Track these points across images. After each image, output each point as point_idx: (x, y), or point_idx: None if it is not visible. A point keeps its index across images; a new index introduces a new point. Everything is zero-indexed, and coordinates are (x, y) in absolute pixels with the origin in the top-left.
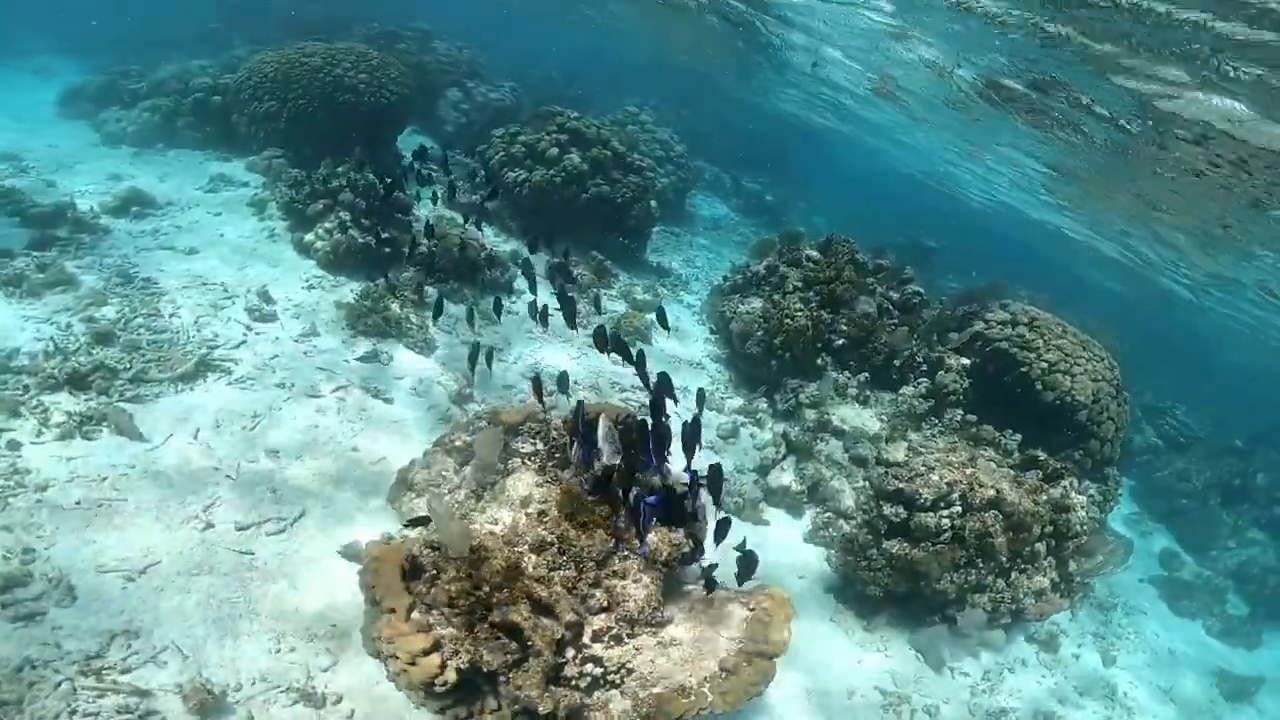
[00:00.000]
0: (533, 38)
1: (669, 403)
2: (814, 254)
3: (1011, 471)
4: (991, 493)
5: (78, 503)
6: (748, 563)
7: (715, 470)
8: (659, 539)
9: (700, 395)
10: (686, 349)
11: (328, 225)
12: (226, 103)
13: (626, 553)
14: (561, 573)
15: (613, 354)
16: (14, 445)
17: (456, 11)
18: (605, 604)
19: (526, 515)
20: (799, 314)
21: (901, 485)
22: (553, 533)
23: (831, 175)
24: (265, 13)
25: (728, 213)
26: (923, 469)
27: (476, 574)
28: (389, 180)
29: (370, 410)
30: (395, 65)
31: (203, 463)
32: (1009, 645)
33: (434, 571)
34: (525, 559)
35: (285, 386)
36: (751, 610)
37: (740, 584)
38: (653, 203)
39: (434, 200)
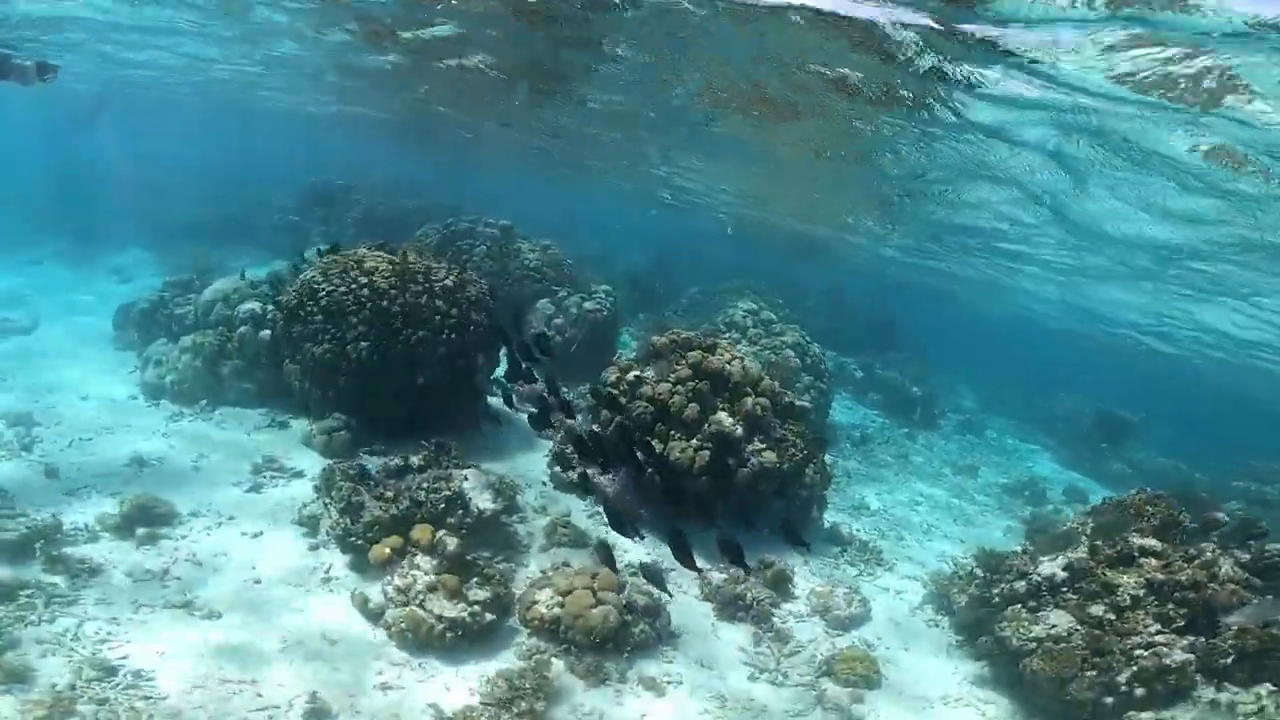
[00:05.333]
0: (607, 221)
1: None
2: (1152, 544)
3: None
4: None
5: None
6: None
7: None
8: None
9: None
10: (920, 671)
11: (399, 582)
12: (278, 338)
13: None
14: None
15: None
16: None
17: (522, 199)
18: None
19: None
20: (1160, 642)
21: None
22: None
23: (959, 338)
24: (339, 204)
25: (866, 415)
26: None
27: None
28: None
29: None
30: (475, 283)
31: None
32: None
33: None
34: None
35: None
36: None
37: None
38: (825, 458)
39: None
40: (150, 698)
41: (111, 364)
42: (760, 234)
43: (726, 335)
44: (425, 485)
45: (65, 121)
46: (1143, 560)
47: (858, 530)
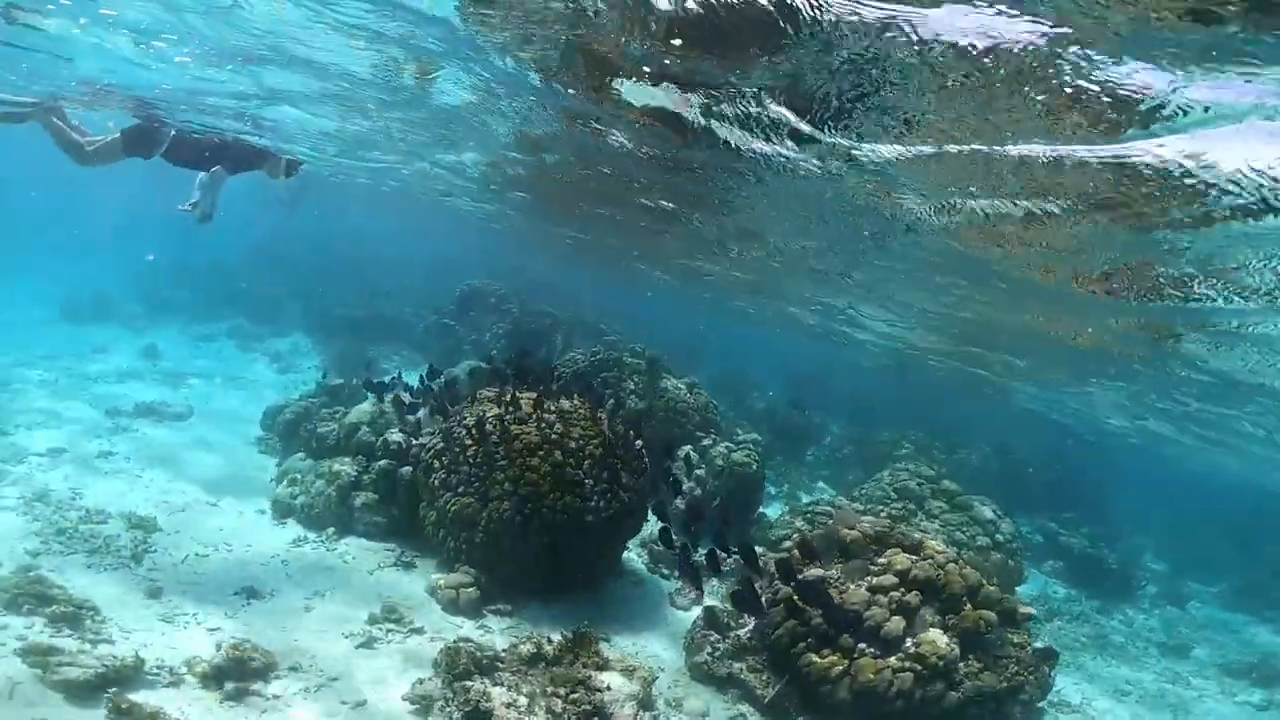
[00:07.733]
0: (734, 343)
1: None
2: None
3: None
4: None
5: None
6: None
7: None
8: None
9: None
10: None
11: None
12: (416, 480)
13: None
14: None
15: None
16: None
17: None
18: None
19: None
20: None
21: None
22: None
23: (1136, 490)
24: (491, 311)
25: (1048, 584)
26: None
27: None
28: None
29: None
30: (627, 440)
31: None
32: None
33: None
34: None
35: None
36: None
37: None
38: (1049, 670)
39: None
40: None
41: (250, 469)
42: (914, 369)
43: (898, 505)
44: (562, 693)
45: (268, 205)
46: None
47: None
